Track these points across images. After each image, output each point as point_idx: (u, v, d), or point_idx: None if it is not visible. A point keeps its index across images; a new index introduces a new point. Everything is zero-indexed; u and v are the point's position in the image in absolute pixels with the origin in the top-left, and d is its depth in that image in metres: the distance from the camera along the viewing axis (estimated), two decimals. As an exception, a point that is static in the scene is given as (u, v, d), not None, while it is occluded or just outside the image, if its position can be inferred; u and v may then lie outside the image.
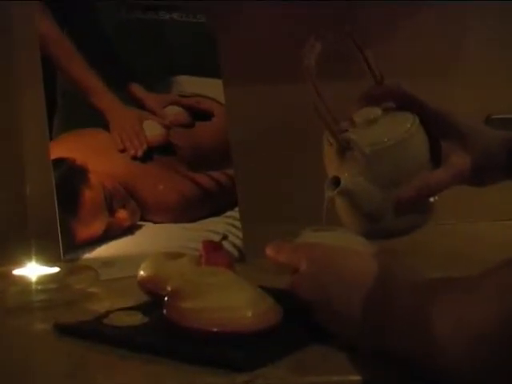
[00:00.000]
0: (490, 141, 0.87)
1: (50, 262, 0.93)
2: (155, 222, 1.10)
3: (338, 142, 0.86)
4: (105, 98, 1.09)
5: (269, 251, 0.75)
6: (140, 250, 1.04)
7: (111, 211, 1.05)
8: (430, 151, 0.88)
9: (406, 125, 0.86)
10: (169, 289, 0.71)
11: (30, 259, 0.92)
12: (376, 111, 0.88)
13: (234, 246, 1.11)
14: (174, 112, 1.15)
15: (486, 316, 0.51)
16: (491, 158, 0.87)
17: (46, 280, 0.88)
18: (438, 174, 0.87)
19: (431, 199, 0.88)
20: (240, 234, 1.12)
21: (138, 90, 1.12)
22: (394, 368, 0.59)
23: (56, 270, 0.91)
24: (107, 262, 1.02)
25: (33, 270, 0.90)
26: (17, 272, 0.90)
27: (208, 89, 1.18)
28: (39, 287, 0.86)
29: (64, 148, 1.05)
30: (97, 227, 1.04)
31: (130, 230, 1.07)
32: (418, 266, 0.64)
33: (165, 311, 0.70)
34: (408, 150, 0.85)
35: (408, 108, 0.88)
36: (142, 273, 0.84)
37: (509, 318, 0.49)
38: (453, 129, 0.87)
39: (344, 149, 0.86)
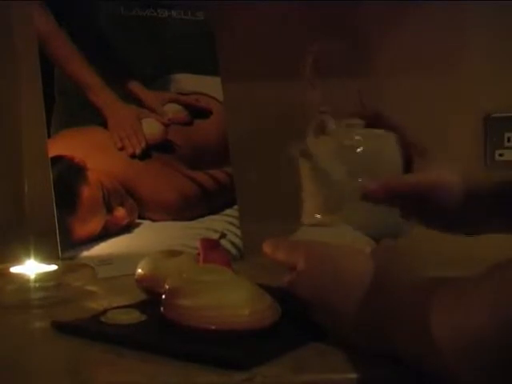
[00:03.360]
0: (472, 182, 0.86)
1: (47, 259, 0.93)
2: (153, 220, 1.09)
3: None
4: (103, 96, 1.09)
5: (266, 248, 0.75)
6: (138, 248, 1.04)
7: (109, 209, 1.05)
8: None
9: (383, 132, 0.89)
10: (166, 287, 0.71)
11: (28, 257, 0.92)
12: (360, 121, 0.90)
13: (233, 244, 1.10)
14: (172, 110, 1.14)
15: (483, 320, 0.50)
16: (474, 200, 0.85)
17: (43, 278, 0.88)
18: (407, 176, 0.87)
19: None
20: (239, 232, 1.11)
21: (136, 87, 1.12)
22: (392, 366, 0.59)
23: (54, 267, 0.91)
24: (105, 260, 1.01)
25: (31, 268, 0.90)
26: (15, 269, 0.90)
27: (207, 87, 1.17)
28: (37, 285, 0.86)
29: (62, 146, 1.05)
30: (95, 225, 1.04)
31: (127, 228, 1.07)
32: (416, 265, 0.64)
33: (162, 309, 0.69)
34: (381, 155, 0.87)
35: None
36: (139, 271, 0.84)
37: (506, 322, 0.49)
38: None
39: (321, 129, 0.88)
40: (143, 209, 1.09)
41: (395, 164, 0.89)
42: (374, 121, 0.91)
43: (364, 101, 0.95)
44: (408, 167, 0.89)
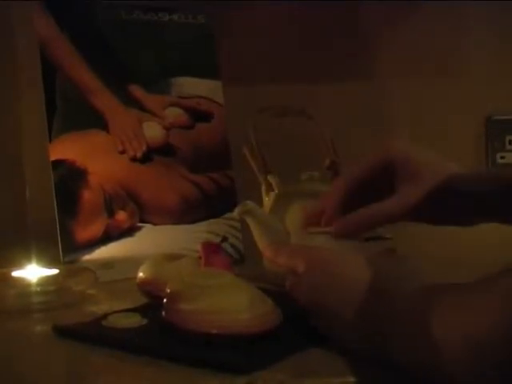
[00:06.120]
0: (455, 177, 0.75)
1: (49, 263, 0.93)
2: (155, 224, 1.09)
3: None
4: (104, 99, 1.09)
5: (267, 253, 0.75)
6: (139, 251, 1.04)
7: (110, 213, 1.05)
8: None
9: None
10: (168, 291, 0.71)
11: (29, 261, 0.92)
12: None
13: (234, 247, 1.10)
14: (173, 113, 1.15)
15: (488, 325, 0.50)
16: (465, 196, 0.74)
17: (45, 282, 0.88)
18: (386, 205, 0.75)
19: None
20: (240, 236, 1.11)
21: (137, 91, 1.12)
22: (392, 371, 0.59)
23: (55, 271, 0.91)
24: (106, 264, 1.01)
25: (32, 272, 0.90)
26: (16, 274, 0.90)
27: (208, 90, 1.17)
28: (38, 289, 0.86)
29: (63, 149, 1.05)
30: (96, 229, 1.04)
31: (129, 232, 1.07)
32: (417, 270, 0.64)
33: (164, 313, 0.69)
34: None
35: None
36: (141, 274, 0.84)
37: (511, 328, 0.49)
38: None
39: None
40: (144, 212, 1.09)
41: None
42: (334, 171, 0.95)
43: (335, 148, 0.99)
44: None
